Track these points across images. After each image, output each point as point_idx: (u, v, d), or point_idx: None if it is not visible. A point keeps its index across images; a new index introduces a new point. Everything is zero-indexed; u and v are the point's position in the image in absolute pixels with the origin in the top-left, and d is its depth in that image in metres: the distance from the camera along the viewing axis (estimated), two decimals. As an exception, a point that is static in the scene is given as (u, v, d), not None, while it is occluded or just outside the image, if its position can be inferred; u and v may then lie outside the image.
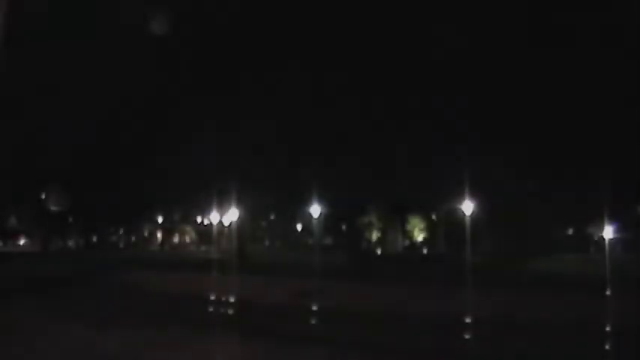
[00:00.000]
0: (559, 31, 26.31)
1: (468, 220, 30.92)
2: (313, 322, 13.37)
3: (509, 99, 29.13)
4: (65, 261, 37.29)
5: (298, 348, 10.26)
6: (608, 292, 18.07)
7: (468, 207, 32.34)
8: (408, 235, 57.10)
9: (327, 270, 24.65)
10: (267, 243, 72.04)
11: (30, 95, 31.11)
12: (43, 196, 50.12)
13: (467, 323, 12.26)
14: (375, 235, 57.10)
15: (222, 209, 39.27)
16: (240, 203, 37.03)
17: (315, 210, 38.49)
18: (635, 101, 24.48)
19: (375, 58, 29.53)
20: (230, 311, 15.08)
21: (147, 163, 39.59)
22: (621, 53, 24.91)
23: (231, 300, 16.72)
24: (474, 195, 32.33)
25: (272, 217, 67.89)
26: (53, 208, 49.85)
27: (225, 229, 42.30)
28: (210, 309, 15.67)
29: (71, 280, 24.43)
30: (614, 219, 36.51)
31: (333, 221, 52.98)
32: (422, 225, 56.26)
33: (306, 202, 39.52)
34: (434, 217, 53.64)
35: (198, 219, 69.07)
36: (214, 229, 46.72)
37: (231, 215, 38.45)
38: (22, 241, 66.15)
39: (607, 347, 10.36)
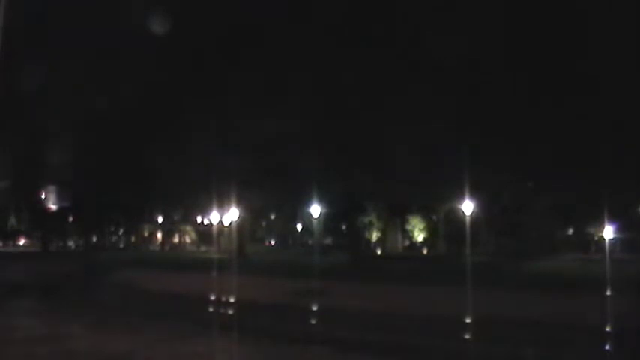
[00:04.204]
0: (559, 29, 26.28)
1: (468, 220, 30.89)
2: (313, 321, 13.36)
3: (509, 98, 29.10)
4: (65, 261, 37.28)
5: (298, 347, 10.26)
6: (608, 292, 18.05)
7: (467, 207, 32.31)
8: (408, 235, 57.11)
9: (327, 270, 24.61)
10: (267, 243, 72.15)
11: (29, 95, 31.10)
12: (43, 196, 50.18)
13: (467, 323, 12.24)
14: (375, 235, 57.05)
15: (222, 209, 39.23)
16: (240, 203, 37.00)
17: (315, 210, 38.44)
18: (635, 100, 24.44)
19: (376, 58, 29.50)
20: (230, 311, 15.07)
21: (147, 163, 39.58)
22: (622, 52, 24.88)
23: (231, 300, 16.71)
24: (474, 195, 32.30)
25: (272, 217, 67.99)
26: (53, 207, 49.92)
27: (225, 229, 42.27)
28: (211, 309, 15.66)
29: (71, 280, 24.45)
30: (614, 219, 36.51)
31: (333, 221, 52.95)
32: (422, 225, 56.22)
33: (306, 202, 39.49)
34: (434, 217, 53.62)
35: (198, 219, 69.11)
36: (214, 229, 46.68)
37: (231, 215, 38.42)
38: (22, 241, 66.21)
39: (607, 347, 10.35)
